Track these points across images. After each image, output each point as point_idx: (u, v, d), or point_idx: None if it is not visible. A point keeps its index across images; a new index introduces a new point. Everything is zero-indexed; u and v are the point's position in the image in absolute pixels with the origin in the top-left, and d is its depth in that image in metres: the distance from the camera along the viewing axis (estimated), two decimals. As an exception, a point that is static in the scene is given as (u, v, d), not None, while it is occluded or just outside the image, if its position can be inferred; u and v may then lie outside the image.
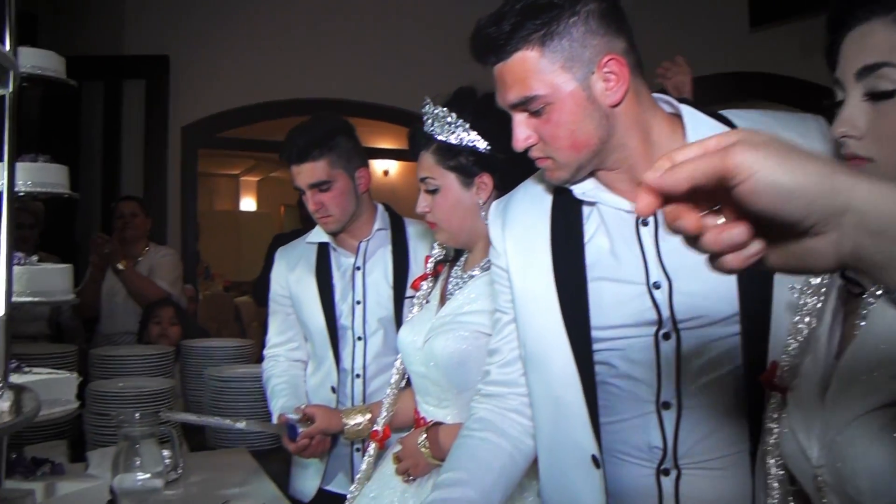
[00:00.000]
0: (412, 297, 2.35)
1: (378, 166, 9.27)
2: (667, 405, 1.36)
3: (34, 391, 0.92)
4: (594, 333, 1.40)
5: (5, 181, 1.85)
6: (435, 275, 2.10)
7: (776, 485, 1.15)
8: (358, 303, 2.43)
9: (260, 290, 4.82)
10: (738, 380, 1.35)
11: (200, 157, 6.18)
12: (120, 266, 4.03)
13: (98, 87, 5.52)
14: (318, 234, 2.52)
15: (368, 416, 2.18)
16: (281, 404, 2.44)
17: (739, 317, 1.32)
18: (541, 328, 1.46)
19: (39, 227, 4.21)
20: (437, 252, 2.10)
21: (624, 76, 1.33)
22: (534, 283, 1.47)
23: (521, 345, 1.52)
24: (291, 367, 2.58)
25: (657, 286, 1.35)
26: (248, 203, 12.76)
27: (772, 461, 1.15)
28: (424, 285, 2.10)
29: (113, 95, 5.61)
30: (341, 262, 2.48)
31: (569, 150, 1.35)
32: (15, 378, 1.90)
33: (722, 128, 1.35)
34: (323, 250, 2.50)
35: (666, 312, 1.34)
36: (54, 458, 2.14)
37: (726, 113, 1.41)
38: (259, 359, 2.73)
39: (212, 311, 8.18)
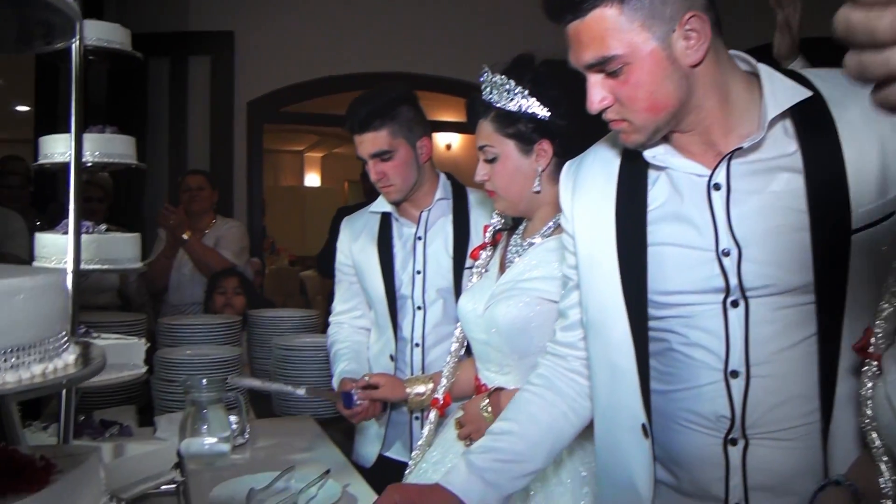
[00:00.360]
0: (471, 267, 2.35)
1: (441, 140, 9.26)
2: (735, 374, 1.33)
3: (101, 347, 0.93)
4: (659, 299, 1.38)
5: (72, 151, 1.89)
6: (493, 244, 2.09)
7: (885, 458, 1.10)
8: (418, 272, 2.43)
9: (324, 262, 4.86)
10: (811, 349, 1.31)
11: (265, 133, 6.26)
12: (185, 236, 4.11)
13: (164, 63, 5.62)
14: (380, 204, 2.52)
15: (431, 385, 2.18)
16: (342, 368, 2.46)
17: (814, 286, 1.28)
18: (601, 294, 1.44)
19: (108, 201, 4.32)
20: (496, 221, 2.09)
21: (706, 34, 1.28)
22: (597, 249, 1.46)
23: (582, 310, 1.51)
24: (355, 334, 2.60)
25: (726, 253, 1.32)
26: (312, 179, 12.90)
27: (874, 435, 1.11)
28: (483, 255, 2.09)
29: (179, 72, 5.69)
30: (403, 231, 2.48)
31: (646, 112, 1.32)
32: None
33: (799, 88, 1.30)
34: (385, 220, 2.51)
35: (734, 280, 1.31)
36: (123, 421, 2.19)
37: (805, 72, 1.36)
38: (324, 329, 2.76)
39: (277, 285, 8.32)
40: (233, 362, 2.80)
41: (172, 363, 2.75)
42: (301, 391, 2.34)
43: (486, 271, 2.05)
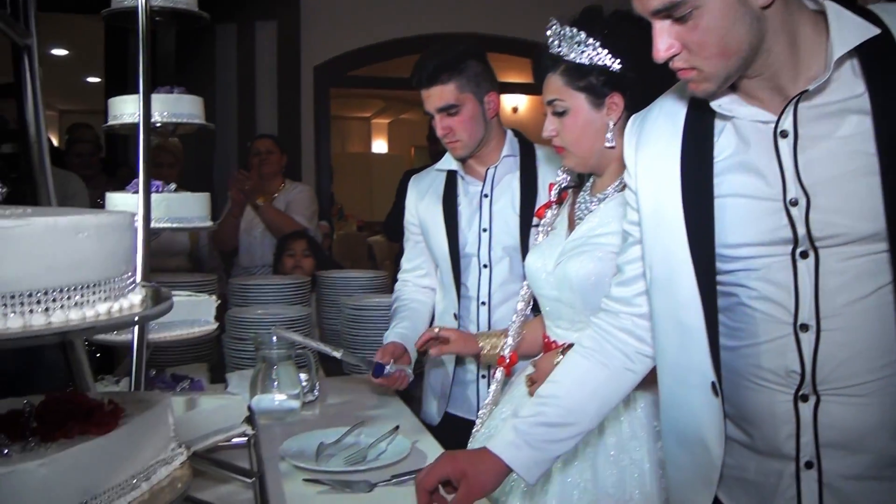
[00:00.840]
0: (537, 225, 2.30)
1: (507, 102, 9.15)
2: (805, 327, 1.28)
3: (168, 291, 0.93)
4: (725, 252, 1.33)
5: (141, 111, 1.91)
6: (559, 202, 2.04)
7: None
8: (484, 230, 2.39)
9: (391, 225, 4.87)
10: (884, 300, 1.25)
11: (332, 99, 6.27)
12: (258, 202, 4.15)
13: (231, 29, 5.65)
14: (447, 162, 2.49)
15: (504, 340, 2.16)
16: (396, 329, 2.48)
17: (886, 233, 1.22)
18: (666, 251, 1.40)
19: (178, 167, 4.38)
20: (562, 178, 2.04)
21: None
22: (662, 204, 1.41)
23: (647, 267, 1.47)
24: (417, 293, 2.60)
25: (794, 202, 1.27)
26: (379, 145, 12.94)
27: None
28: (549, 213, 2.04)
29: (245, 37, 5.72)
30: (469, 189, 2.45)
31: (717, 58, 1.26)
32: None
33: (868, 26, 1.23)
34: (451, 178, 2.48)
35: (802, 230, 1.26)
36: (194, 377, 2.22)
37: (875, 8, 1.28)
38: (392, 290, 2.76)
39: (346, 251, 8.39)
40: (302, 322, 2.83)
41: (243, 322, 2.79)
42: (338, 353, 2.37)
43: (553, 229, 2.01)
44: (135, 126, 1.94)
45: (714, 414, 1.36)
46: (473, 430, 2.06)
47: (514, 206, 2.36)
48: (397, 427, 2.05)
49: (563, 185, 2.05)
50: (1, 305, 0.69)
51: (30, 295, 0.71)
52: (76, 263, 0.74)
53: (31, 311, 0.71)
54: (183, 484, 1.02)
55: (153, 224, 2.01)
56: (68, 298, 0.73)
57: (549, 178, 2.32)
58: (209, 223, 2.20)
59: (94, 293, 0.76)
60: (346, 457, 1.91)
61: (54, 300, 0.72)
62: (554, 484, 1.76)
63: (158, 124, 2.11)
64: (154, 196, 2.00)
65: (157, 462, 1.02)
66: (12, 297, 0.70)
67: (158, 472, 1.02)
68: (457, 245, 2.40)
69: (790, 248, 1.28)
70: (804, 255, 1.27)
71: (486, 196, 2.40)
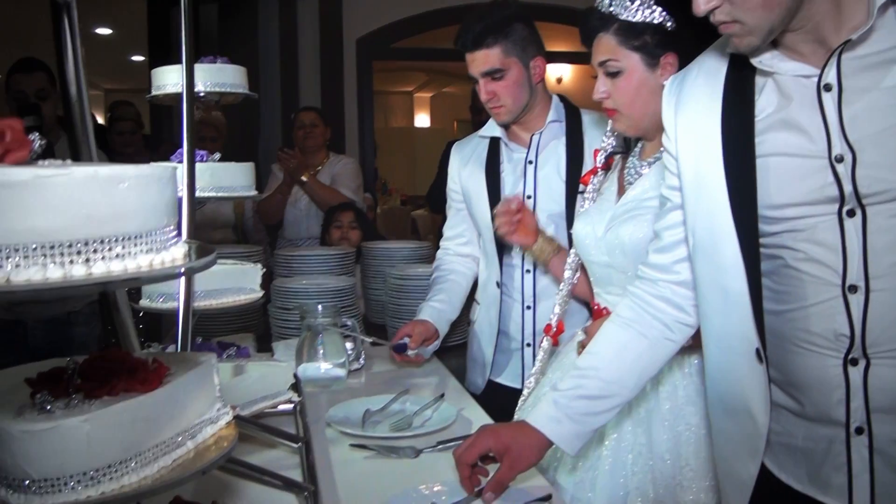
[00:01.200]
0: (583, 192, 2.26)
1: (552, 72, 9.04)
2: (853, 289, 1.23)
3: (212, 246, 0.91)
4: (769, 213, 1.29)
5: (184, 80, 1.89)
6: (606, 167, 2.00)
7: None
8: (529, 197, 2.35)
9: (433, 196, 4.84)
10: None
11: (375, 73, 6.24)
12: (303, 178, 4.15)
13: (273, 2, 5.64)
14: (490, 128, 2.45)
15: (555, 247, 2.15)
16: (429, 305, 2.48)
17: None
18: (708, 215, 1.36)
19: (222, 141, 4.39)
20: (607, 144, 1.98)
21: None
22: (703, 167, 1.37)
23: (689, 233, 1.43)
24: (458, 263, 2.58)
25: (839, 159, 1.21)
26: (422, 119, 12.91)
27: None
28: (594, 180, 2.00)
29: (287, 10, 5.71)
30: (513, 156, 2.40)
31: (761, 10, 1.20)
32: (203, 268, 1.98)
33: None
34: (495, 145, 2.44)
35: (849, 187, 1.21)
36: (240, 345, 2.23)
37: None
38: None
39: (389, 225, 8.41)
40: (347, 292, 2.82)
41: (288, 292, 2.79)
42: (369, 340, 2.51)
43: (601, 195, 1.96)
44: (178, 96, 1.93)
45: (759, 381, 1.33)
46: (520, 401, 2.04)
47: (560, 173, 2.31)
48: (442, 395, 2.03)
49: (609, 151, 2.00)
50: (41, 256, 0.68)
51: (69, 245, 0.70)
52: (116, 214, 0.73)
53: (71, 262, 0.69)
54: (229, 443, 1.01)
55: (198, 193, 2.00)
56: (109, 250, 0.72)
57: (596, 143, 2.27)
58: (254, 192, 2.19)
59: (135, 245, 0.74)
60: (391, 423, 1.90)
61: (95, 251, 0.71)
62: (608, 448, 1.74)
63: (202, 94, 2.10)
64: (199, 165, 2.00)
65: (203, 421, 1.02)
66: (52, 247, 0.69)
67: (204, 431, 1.01)
68: None
69: (836, 206, 1.23)
70: (851, 213, 1.22)
71: (530, 162, 2.36)
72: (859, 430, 1.26)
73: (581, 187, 2.13)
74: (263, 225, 4.39)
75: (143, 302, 1.95)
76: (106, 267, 0.70)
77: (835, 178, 1.22)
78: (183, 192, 1.88)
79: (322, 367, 2.28)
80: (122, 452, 0.87)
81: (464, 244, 2.58)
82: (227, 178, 2.12)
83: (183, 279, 1.71)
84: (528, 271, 2.35)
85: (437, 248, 2.73)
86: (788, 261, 1.29)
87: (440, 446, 1.74)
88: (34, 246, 0.68)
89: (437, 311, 2.46)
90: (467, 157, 2.50)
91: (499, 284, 2.40)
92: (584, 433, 1.53)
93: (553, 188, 2.32)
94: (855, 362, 1.24)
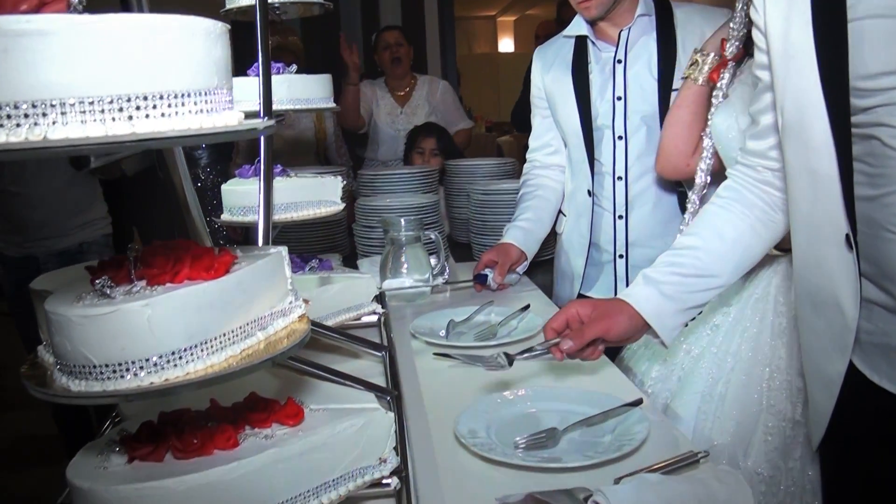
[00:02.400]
0: (715, 87, 2.10)
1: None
2: None
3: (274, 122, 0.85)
4: (862, 85, 1.14)
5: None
6: (736, 59, 1.82)
7: None
8: (619, 98, 2.21)
9: (517, 115, 4.72)
10: None
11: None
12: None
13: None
14: (575, 27, 2.29)
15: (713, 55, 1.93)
16: (516, 226, 2.39)
17: None
18: (798, 91, 1.23)
19: (300, 66, 4.34)
20: (736, 31, 1.79)
21: None
22: (791, 38, 1.23)
23: (778, 112, 1.29)
24: (546, 177, 2.47)
25: None
26: (505, 44, 12.63)
27: None
28: (725, 75, 1.82)
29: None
30: (600, 55, 2.26)
31: None
32: (280, 181, 1.94)
33: None
34: (580, 45, 2.29)
35: None
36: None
37: None
38: (520, 175, 2.64)
39: (475, 151, 8.25)
40: (430, 208, 2.76)
41: (372, 210, 2.75)
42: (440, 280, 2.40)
43: (734, 89, 1.80)
44: (252, 9, 1.87)
45: (849, 271, 1.21)
46: None
47: (652, 71, 2.17)
48: (528, 306, 1.96)
49: (736, 42, 1.81)
50: (79, 112, 0.62)
51: (110, 101, 0.64)
52: (160, 68, 0.66)
53: (113, 120, 0.64)
54: (301, 336, 0.96)
55: (275, 106, 1.95)
56: (154, 108, 0.65)
57: (689, 38, 2.12)
58: (332, 104, 2.13)
59: (182, 104, 0.68)
60: (476, 333, 1.84)
61: (138, 108, 0.65)
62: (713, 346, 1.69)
63: (276, 4, 2.04)
64: (275, 77, 1.94)
65: (274, 313, 0.97)
66: (91, 103, 0.63)
67: (275, 323, 0.96)
68: (589, 115, 2.24)
69: None
70: None
71: (619, 62, 2.21)
72: None
73: (710, 83, 2.00)
74: (347, 148, 4.35)
75: (225, 216, 1.93)
76: (151, 126, 0.64)
77: None
78: (260, 107, 1.84)
79: (406, 281, 2.23)
80: (187, 339, 0.83)
81: (551, 153, 2.46)
82: (304, 90, 2.07)
83: (262, 186, 1.65)
84: (619, 178, 2.23)
85: (523, 163, 2.62)
86: (884, 139, 1.15)
87: (525, 355, 1.67)
88: (72, 101, 0.62)
89: (524, 231, 2.37)
90: (551, 60, 2.37)
91: (590, 192, 2.29)
92: (676, 313, 1.45)
93: (645, 88, 2.18)
94: None
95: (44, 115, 0.62)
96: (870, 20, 1.12)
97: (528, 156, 2.54)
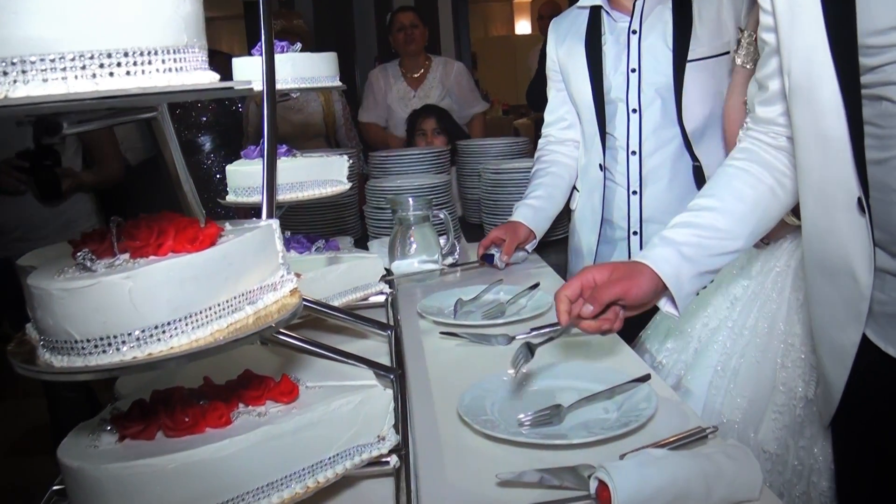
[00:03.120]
0: (697, 59, 2.06)
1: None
2: None
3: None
4: (872, 42, 1.09)
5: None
6: None
7: None
8: (633, 70, 2.16)
9: (533, 94, 4.68)
10: None
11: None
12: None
13: None
14: None
15: None
16: (526, 204, 2.36)
17: None
18: (804, 52, 1.18)
19: (307, 49, 4.31)
20: None
21: None
22: None
23: (785, 75, 1.25)
24: (560, 153, 2.42)
25: None
26: (522, 26, 12.52)
27: None
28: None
29: None
30: (615, 26, 2.21)
31: None
32: (286, 161, 1.92)
33: None
34: (595, 16, 2.24)
35: None
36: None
37: None
38: (534, 153, 2.60)
39: (492, 134, 8.21)
40: (441, 189, 2.72)
41: (383, 191, 2.72)
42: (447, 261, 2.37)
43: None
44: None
45: (861, 235, 1.16)
46: None
47: (667, 41, 2.11)
48: (537, 284, 1.92)
49: None
50: (40, 70, 0.60)
51: (73, 59, 0.61)
52: (124, 24, 0.63)
53: (76, 78, 0.61)
54: (291, 311, 0.93)
55: (279, 85, 1.93)
56: (118, 66, 0.63)
57: (706, 7, 2.07)
58: (338, 83, 2.10)
59: (149, 62, 0.65)
60: (484, 312, 1.81)
61: (101, 66, 0.62)
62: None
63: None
64: (278, 56, 1.91)
65: (264, 287, 0.94)
66: (52, 60, 0.60)
67: (265, 297, 0.94)
68: (601, 88, 2.19)
69: None
70: None
71: (633, 32, 2.16)
72: None
73: (698, 53, 1.95)
74: (357, 132, 4.32)
75: (230, 197, 1.91)
76: (115, 84, 0.61)
77: None
78: (263, 86, 1.81)
79: (415, 261, 2.20)
80: (171, 313, 0.81)
81: (566, 128, 2.42)
82: (309, 69, 2.04)
83: (265, 162, 1.62)
84: (633, 153, 2.18)
85: (536, 141, 2.58)
86: (894, 98, 1.11)
87: (534, 333, 1.64)
88: (33, 59, 0.60)
89: (534, 209, 2.33)
90: (565, 32, 2.32)
91: (601, 167, 2.25)
92: (693, 277, 1.39)
93: (659, 59, 2.12)
94: None
95: (4, 73, 0.59)
96: None
97: (543, 130, 2.50)
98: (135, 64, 0.64)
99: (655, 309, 1.45)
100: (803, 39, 1.18)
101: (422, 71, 4.32)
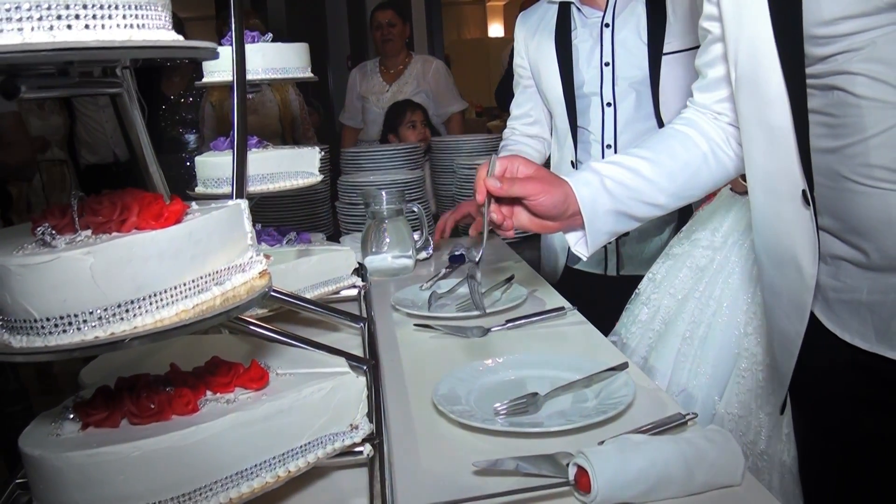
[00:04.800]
0: (672, 52, 2.05)
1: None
2: None
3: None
4: (820, 32, 1.08)
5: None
6: None
7: None
8: (606, 64, 2.15)
9: (500, 92, 4.69)
10: None
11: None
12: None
13: None
14: None
15: None
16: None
17: None
18: (750, 43, 1.17)
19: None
20: None
21: None
22: None
23: (731, 66, 1.24)
24: (524, 144, 2.40)
25: None
26: (495, 29, 12.55)
27: None
28: None
29: None
30: (587, 20, 2.19)
31: None
32: (256, 153, 1.88)
33: None
34: (564, 10, 2.22)
35: None
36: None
37: None
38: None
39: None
40: (415, 184, 2.70)
41: (355, 186, 2.69)
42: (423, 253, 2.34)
43: None
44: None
45: (806, 227, 1.16)
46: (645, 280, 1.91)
47: (641, 34, 2.10)
48: (512, 276, 1.90)
49: None
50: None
51: (29, 9, 0.58)
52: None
53: (32, 30, 0.58)
54: (260, 292, 0.90)
55: (249, 76, 1.89)
56: (76, 18, 0.60)
57: (679, 1, 2.06)
58: (308, 74, 2.07)
59: (109, 17, 0.62)
60: (458, 305, 1.79)
61: (59, 17, 0.59)
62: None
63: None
64: (249, 46, 1.88)
65: (232, 268, 0.91)
66: (8, 9, 0.57)
67: (233, 278, 0.91)
68: (571, 83, 2.17)
69: None
70: None
71: (606, 26, 2.15)
72: None
73: (672, 46, 1.94)
74: (315, 132, 4.27)
75: (199, 188, 1.88)
76: (72, 37, 0.58)
77: None
78: (234, 77, 1.78)
79: (388, 257, 2.18)
80: (134, 291, 0.77)
81: (530, 124, 2.40)
82: (279, 59, 2.01)
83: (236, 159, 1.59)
84: (608, 146, 2.17)
85: None
86: (846, 87, 1.09)
87: (508, 325, 1.62)
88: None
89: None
90: (534, 26, 2.30)
91: (573, 164, 2.23)
92: (608, 214, 1.36)
93: (633, 52, 2.11)
94: None
95: (-47, 26, 0.56)
96: None
97: (508, 123, 2.47)
98: (94, 17, 0.61)
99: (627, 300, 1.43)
100: (750, 30, 1.17)
101: (400, 67, 4.30)
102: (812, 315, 1.23)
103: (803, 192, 1.14)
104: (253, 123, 3.94)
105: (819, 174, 1.16)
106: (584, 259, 1.43)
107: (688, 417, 1.11)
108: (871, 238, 1.12)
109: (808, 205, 1.14)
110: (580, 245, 1.39)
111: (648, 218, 1.45)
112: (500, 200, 1.34)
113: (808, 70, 1.12)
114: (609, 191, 1.36)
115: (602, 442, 1.03)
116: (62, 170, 4.41)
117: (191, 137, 4.24)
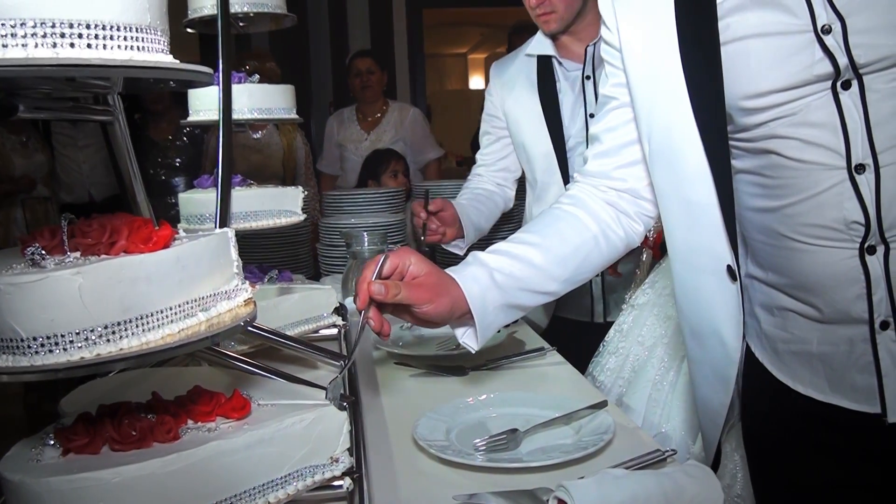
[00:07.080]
0: None
1: None
2: (861, 168, 1.07)
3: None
4: (751, 105, 1.12)
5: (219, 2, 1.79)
6: None
7: None
8: (591, 116, 2.19)
9: (477, 142, 4.75)
10: None
11: (428, 28, 6.09)
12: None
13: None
14: (538, 45, 2.25)
15: None
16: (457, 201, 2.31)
17: None
18: (665, 118, 1.19)
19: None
20: None
21: None
22: (656, 62, 1.19)
23: (644, 140, 1.25)
24: (491, 184, 2.43)
25: (827, 30, 1.05)
26: (476, 81, 12.73)
27: None
28: None
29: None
30: (568, 74, 2.24)
31: None
32: (240, 190, 1.89)
33: None
34: (545, 64, 2.26)
35: (843, 59, 1.05)
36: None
37: None
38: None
39: (445, 184, 8.28)
40: (396, 227, 2.72)
41: (336, 228, 2.70)
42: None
43: None
44: (214, 19, 1.83)
45: (730, 302, 1.18)
46: (619, 321, 1.91)
47: (620, 84, 2.15)
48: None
49: None
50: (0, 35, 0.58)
51: (34, 26, 0.60)
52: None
53: (35, 46, 0.59)
54: (244, 318, 0.91)
55: (235, 115, 1.91)
56: (80, 37, 0.61)
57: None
58: (294, 115, 2.10)
59: (111, 38, 0.64)
60: (438, 343, 1.79)
61: (62, 35, 0.61)
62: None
63: (240, 14, 2.01)
64: (235, 87, 1.90)
65: (217, 294, 0.92)
66: (13, 25, 0.59)
67: (218, 305, 0.91)
68: (562, 137, 2.20)
69: (829, 82, 1.07)
70: (846, 85, 1.06)
71: (588, 78, 2.19)
72: (884, 325, 1.10)
73: None
74: (316, 181, 4.30)
75: (182, 225, 1.88)
76: (75, 55, 0.60)
77: (825, 53, 1.06)
78: (220, 116, 1.80)
79: (369, 297, 2.17)
80: (122, 313, 0.78)
81: (498, 171, 2.43)
82: (266, 100, 2.03)
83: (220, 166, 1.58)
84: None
85: None
86: (781, 151, 1.12)
87: (489, 365, 1.63)
88: (-8, 23, 0.58)
89: (461, 205, 2.25)
90: (512, 79, 2.32)
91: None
92: (498, 309, 1.29)
93: None
94: (872, 250, 1.09)
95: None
96: (753, 39, 1.10)
97: (474, 169, 2.50)
98: (96, 37, 0.63)
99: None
100: (664, 106, 1.18)
101: (378, 115, 4.34)
102: (761, 366, 1.24)
103: (728, 266, 1.16)
104: (256, 162, 3.96)
105: (758, 232, 1.18)
106: (473, 352, 1.34)
107: (667, 454, 1.12)
108: (818, 293, 1.14)
109: (735, 280, 1.16)
110: (468, 338, 1.31)
111: (539, 304, 1.39)
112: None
113: (739, 135, 1.15)
114: (499, 285, 1.28)
115: (582, 477, 1.04)
116: (46, 207, 4.41)
117: (178, 181, 4.26)
